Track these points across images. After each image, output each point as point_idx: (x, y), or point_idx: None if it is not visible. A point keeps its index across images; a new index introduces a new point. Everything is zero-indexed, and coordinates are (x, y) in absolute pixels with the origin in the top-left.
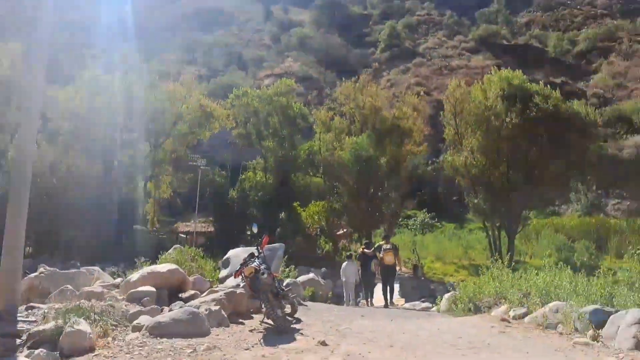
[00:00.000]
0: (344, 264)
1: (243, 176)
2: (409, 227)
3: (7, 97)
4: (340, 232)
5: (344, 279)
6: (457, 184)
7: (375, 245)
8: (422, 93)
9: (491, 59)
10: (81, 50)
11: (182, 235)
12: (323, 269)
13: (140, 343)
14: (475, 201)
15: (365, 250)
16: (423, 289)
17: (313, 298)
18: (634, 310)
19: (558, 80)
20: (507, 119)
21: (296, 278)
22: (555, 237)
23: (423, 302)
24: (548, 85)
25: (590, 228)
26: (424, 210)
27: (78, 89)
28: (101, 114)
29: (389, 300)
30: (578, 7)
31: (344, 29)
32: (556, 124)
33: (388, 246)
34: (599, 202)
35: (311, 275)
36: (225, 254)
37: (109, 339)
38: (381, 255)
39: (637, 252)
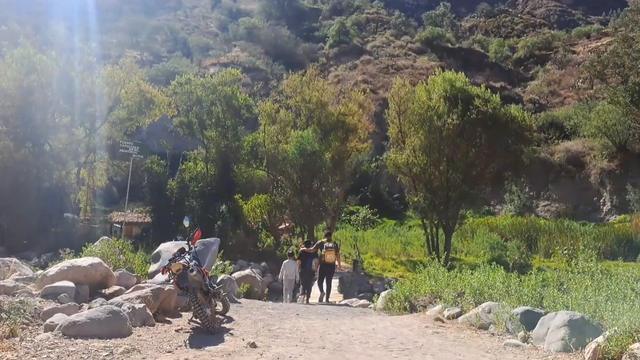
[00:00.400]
0: (285, 261)
1: (183, 166)
2: (351, 223)
3: None
4: (282, 226)
5: (283, 277)
6: (398, 181)
7: (317, 243)
8: (368, 90)
9: (436, 60)
10: (13, 26)
11: (117, 225)
12: (263, 264)
13: (51, 344)
14: (416, 199)
15: (305, 248)
16: (362, 284)
17: (248, 295)
18: (562, 312)
19: (497, 85)
20: (449, 120)
21: (232, 274)
22: (490, 235)
23: (360, 298)
24: (488, 89)
25: (521, 228)
26: (366, 206)
27: (8, 66)
28: (33, 95)
29: (325, 297)
30: (519, 15)
31: (293, 22)
32: (494, 127)
33: (330, 244)
34: (530, 203)
35: (247, 271)
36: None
37: (17, 339)
38: (323, 252)
39: (564, 252)
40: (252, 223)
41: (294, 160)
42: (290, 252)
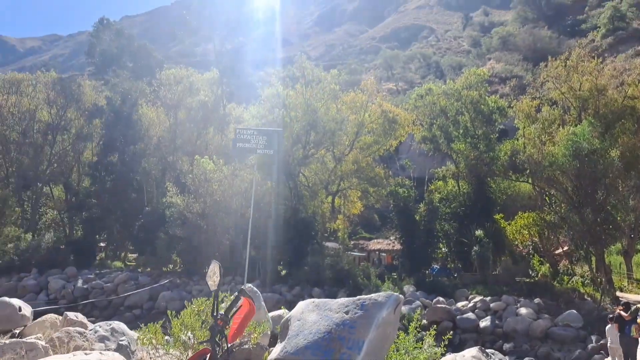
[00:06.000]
0: (607, 327)
1: (432, 186)
2: None
3: None
4: (559, 250)
5: (608, 344)
6: None
7: (632, 309)
8: None
9: None
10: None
11: (377, 253)
12: (537, 300)
13: None
14: None
15: (622, 312)
16: None
17: None
18: None
19: None
20: None
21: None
22: None
23: None
24: None
25: None
26: None
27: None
28: (286, 129)
29: None
30: None
31: (553, 21)
32: None
33: None
34: None
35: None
36: (413, 274)
37: None
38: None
39: None
40: (520, 247)
41: (565, 165)
42: (611, 316)
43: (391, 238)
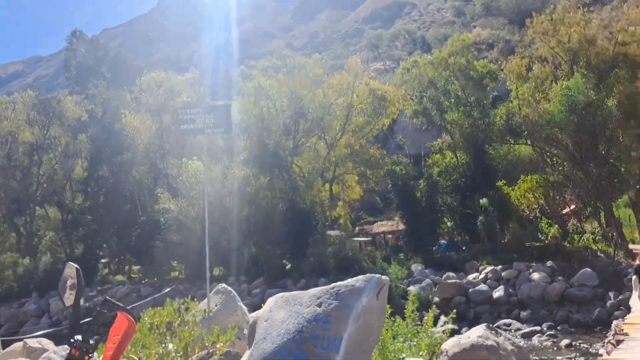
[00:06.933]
0: (634, 277)
1: (430, 160)
2: None
3: None
4: (567, 210)
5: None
6: None
7: None
8: None
9: None
10: (248, 63)
11: (382, 235)
12: (549, 263)
13: None
14: None
15: None
16: None
17: None
18: None
19: None
20: None
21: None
22: None
23: None
24: None
25: None
26: None
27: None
28: (264, 121)
29: None
30: None
31: None
32: None
33: None
34: None
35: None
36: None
37: None
38: None
39: None
40: (527, 212)
41: (562, 121)
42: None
43: (395, 219)
